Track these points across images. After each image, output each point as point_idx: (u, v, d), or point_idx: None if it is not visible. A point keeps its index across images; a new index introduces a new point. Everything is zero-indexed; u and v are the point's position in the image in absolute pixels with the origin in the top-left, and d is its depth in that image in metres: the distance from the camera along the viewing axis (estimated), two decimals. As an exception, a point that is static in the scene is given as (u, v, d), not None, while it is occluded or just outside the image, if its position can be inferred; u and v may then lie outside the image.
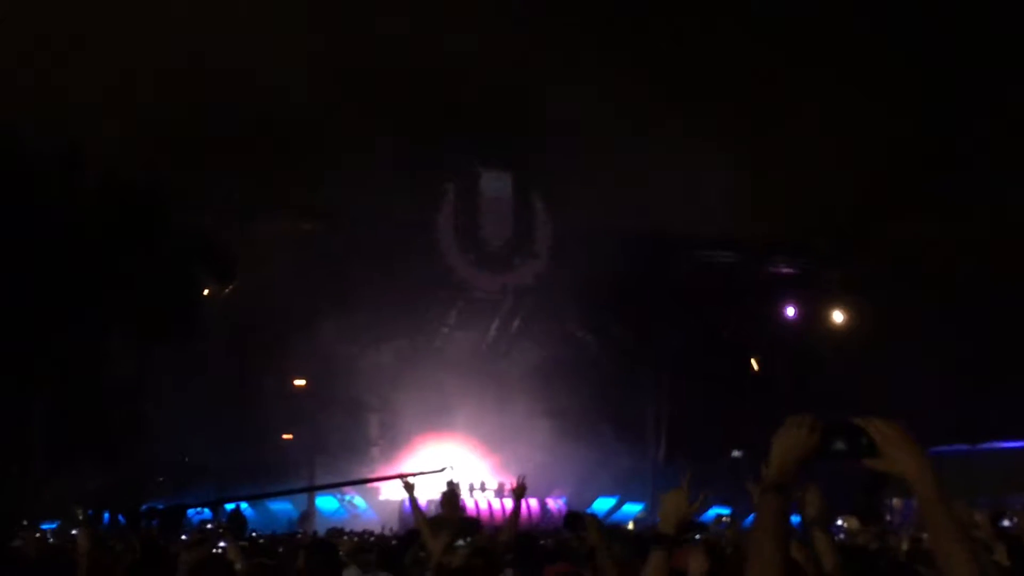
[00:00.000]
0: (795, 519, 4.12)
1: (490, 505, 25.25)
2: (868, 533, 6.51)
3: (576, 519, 6.11)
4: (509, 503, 26.07)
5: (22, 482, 19.60)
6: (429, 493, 15.79)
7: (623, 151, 25.74)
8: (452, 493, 9.07)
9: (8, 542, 10.89)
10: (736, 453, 23.96)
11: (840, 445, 2.34)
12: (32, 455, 20.49)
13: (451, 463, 14.11)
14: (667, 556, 3.01)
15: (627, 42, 24.77)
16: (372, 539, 15.24)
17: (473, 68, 24.50)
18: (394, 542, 12.16)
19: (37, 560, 8.37)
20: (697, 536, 5.53)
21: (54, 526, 15.35)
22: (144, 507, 17.29)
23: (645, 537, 3.18)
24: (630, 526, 19.37)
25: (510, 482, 28.52)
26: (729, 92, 24.57)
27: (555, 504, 29.01)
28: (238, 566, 5.77)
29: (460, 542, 6.68)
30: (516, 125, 26.84)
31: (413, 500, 8.64)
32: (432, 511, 10.85)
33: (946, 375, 24.25)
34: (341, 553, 6.08)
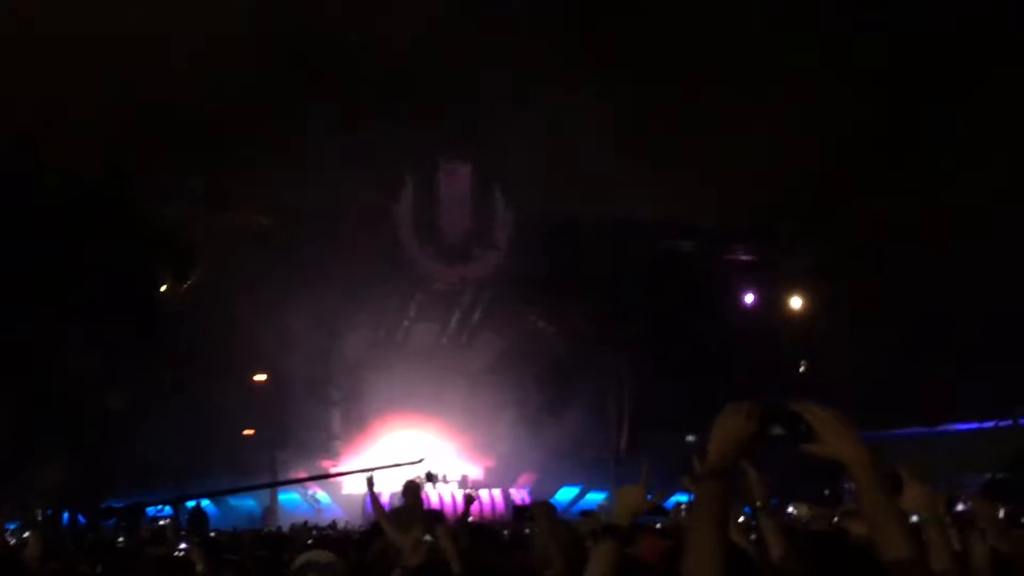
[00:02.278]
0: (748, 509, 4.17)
1: (453, 497, 25.24)
2: (821, 518, 6.59)
3: (523, 511, 6.14)
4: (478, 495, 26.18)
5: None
6: (394, 486, 15.80)
7: (583, 140, 25.73)
8: (414, 485, 9.12)
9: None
10: (690, 438, 24.07)
11: (778, 430, 2.38)
12: None
13: (425, 455, 14.07)
14: (617, 547, 3.03)
15: (590, 32, 24.77)
16: (333, 534, 15.22)
17: (431, 60, 24.44)
18: (356, 536, 12.15)
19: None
20: (657, 525, 5.56)
21: (14, 526, 15.19)
22: (103, 505, 17.15)
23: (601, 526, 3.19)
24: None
25: (474, 476, 28.65)
26: (691, 82, 24.63)
27: (518, 495, 29.09)
28: (199, 568, 5.75)
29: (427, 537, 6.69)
30: (475, 116, 26.81)
31: (373, 496, 8.67)
32: (395, 504, 10.88)
33: (903, 359, 24.52)
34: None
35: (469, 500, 8.75)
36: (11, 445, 20.63)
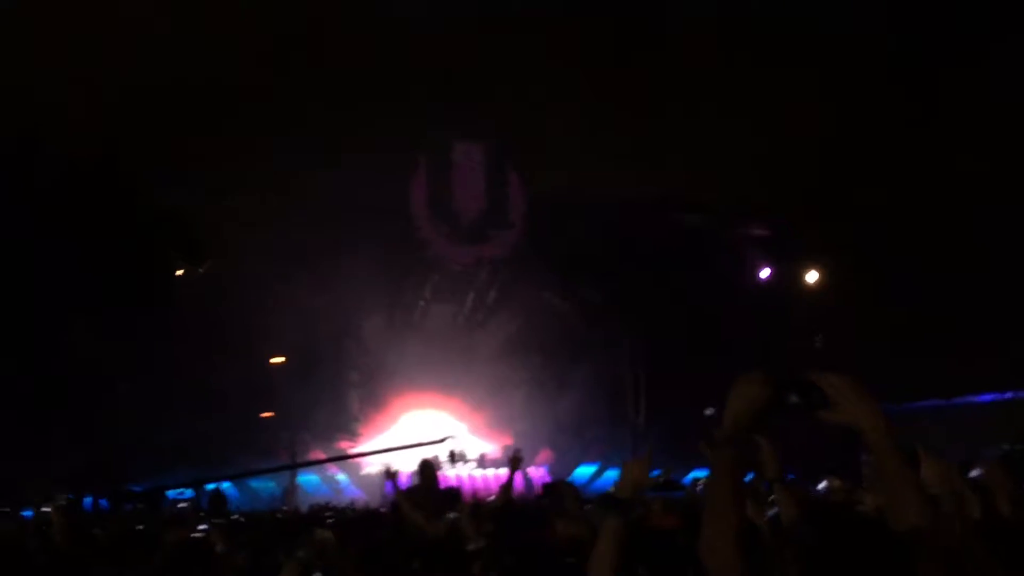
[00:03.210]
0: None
1: (471, 477, 25.35)
2: (840, 490, 6.58)
3: (553, 488, 6.17)
4: (491, 473, 26.26)
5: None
6: (414, 465, 15.85)
7: (593, 118, 25.63)
8: (429, 464, 9.18)
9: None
10: (709, 411, 24.07)
11: (794, 399, 2.39)
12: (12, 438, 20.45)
13: (451, 433, 14.12)
14: (621, 522, 3.03)
15: (593, 10, 24.59)
16: (351, 514, 15.28)
17: (442, 37, 24.31)
18: (375, 516, 12.21)
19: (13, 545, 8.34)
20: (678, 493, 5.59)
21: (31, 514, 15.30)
22: (124, 489, 17.25)
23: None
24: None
25: (492, 453, 28.75)
26: (697, 59, 24.45)
27: (537, 474, 29.17)
28: (219, 548, 5.79)
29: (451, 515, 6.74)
30: (487, 95, 26.68)
31: (393, 483, 8.73)
32: (412, 483, 10.92)
33: (920, 332, 24.42)
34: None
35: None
36: (29, 431, 20.81)
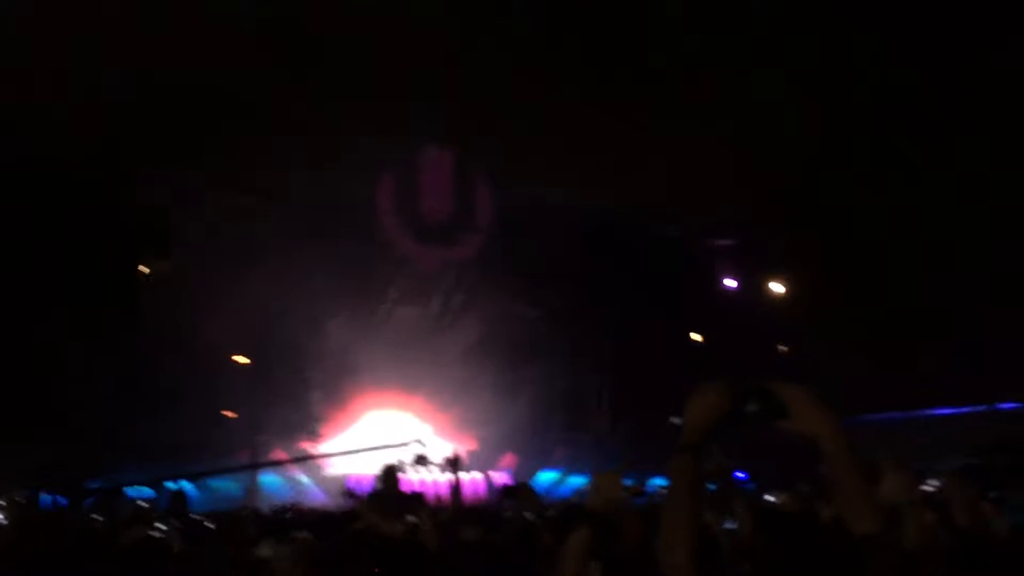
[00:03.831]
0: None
1: (435, 481, 25.27)
2: (795, 500, 6.66)
3: (513, 491, 6.19)
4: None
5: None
6: (375, 468, 15.76)
7: (565, 126, 25.68)
8: (390, 470, 9.15)
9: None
10: (675, 420, 24.18)
11: (753, 407, 2.41)
12: None
13: (418, 437, 14.06)
14: (591, 533, 3.06)
15: (568, 18, 24.65)
16: (311, 516, 15.20)
17: (410, 40, 24.28)
18: (336, 518, 12.16)
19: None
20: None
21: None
22: (83, 486, 17.12)
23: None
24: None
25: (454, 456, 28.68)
26: (667, 66, 24.54)
27: (499, 478, 29.15)
28: (175, 548, 5.76)
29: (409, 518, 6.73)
30: (457, 97, 26.67)
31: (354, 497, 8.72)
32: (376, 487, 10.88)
33: (881, 345, 24.65)
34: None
35: (456, 464, 8.54)
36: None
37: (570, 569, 3.03)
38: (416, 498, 7.40)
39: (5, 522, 7.13)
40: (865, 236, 25.33)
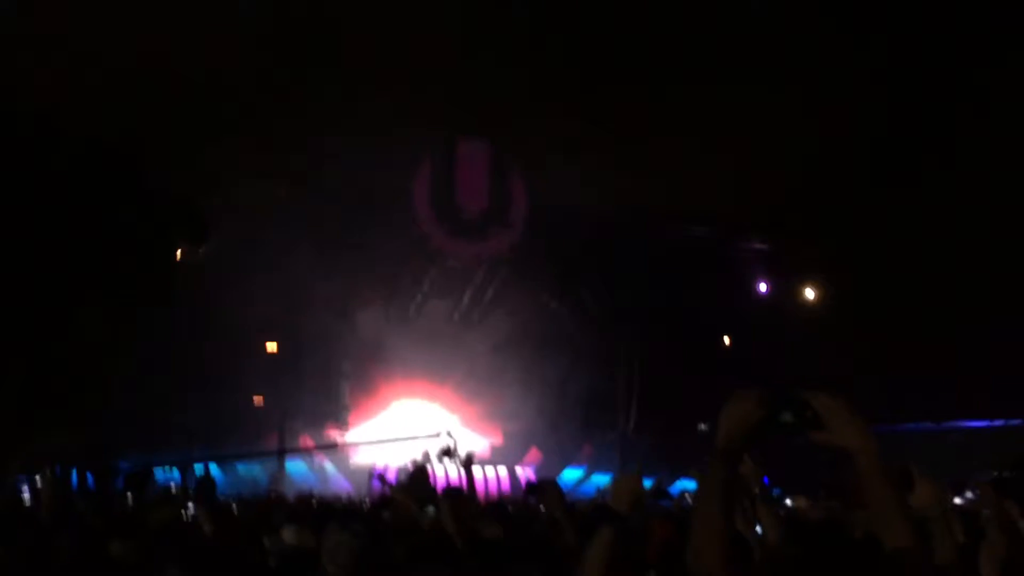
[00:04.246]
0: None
1: (459, 474, 25.34)
2: (821, 508, 6.62)
3: (537, 488, 6.20)
4: (479, 473, 26.28)
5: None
6: (401, 460, 15.89)
7: (597, 125, 25.65)
8: (421, 469, 9.22)
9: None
10: (702, 427, 24.14)
11: (787, 417, 2.41)
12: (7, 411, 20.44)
13: (446, 429, 14.08)
14: (616, 533, 3.07)
15: (597, 17, 24.61)
16: (337, 505, 15.30)
17: (449, 34, 24.32)
18: (364, 510, 12.24)
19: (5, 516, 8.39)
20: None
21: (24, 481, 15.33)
22: (112, 466, 17.27)
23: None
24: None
25: (481, 452, 28.77)
26: (697, 73, 24.46)
27: (523, 473, 29.21)
28: (207, 529, 5.81)
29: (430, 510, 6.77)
30: (494, 93, 26.68)
31: (385, 483, 8.77)
32: (402, 479, 10.95)
33: (913, 355, 24.48)
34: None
35: (468, 463, 8.59)
36: (19, 406, 20.83)
37: (594, 570, 3.04)
38: (455, 491, 7.38)
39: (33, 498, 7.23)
40: (899, 242, 25.15)
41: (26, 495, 9.25)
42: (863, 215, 25.90)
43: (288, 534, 6.32)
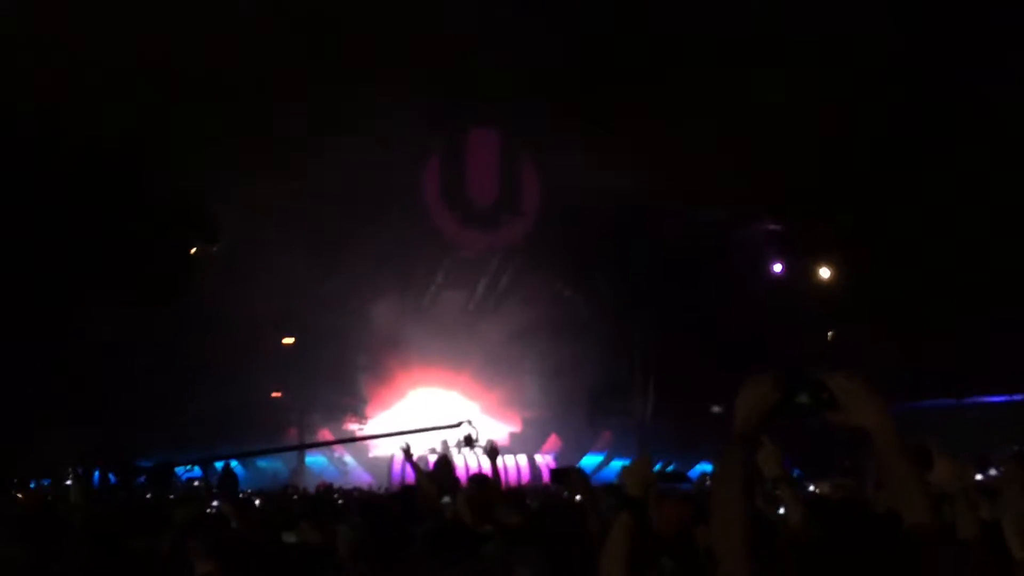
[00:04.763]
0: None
1: (479, 463, 25.38)
2: (842, 489, 6.62)
3: (562, 474, 6.21)
4: (500, 462, 26.35)
5: (16, 438, 19.72)
6: (420, 450, 15.90)
7: (607, 112, 25.61)
8: (445, 459, 9.24)
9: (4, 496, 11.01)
10: (716, 408, 24.13)
11: (803, 399, 2.43)
12: (25, 411, 20.65)
13: (467, 418, 14.06)
14: (634, 517, 3.10)
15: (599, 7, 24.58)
16: (358, 495, 15.38)
17: (452, 25, 24.30)
18: (385, 499, 12.28)
19: (32, 516, 8.48)
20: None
21: (46, 483, 15.45)
22: (133, 465, 17.38)
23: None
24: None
25: (500, 441, 28.81)
26: (707, 57, 24.38)
27: (543, 461, 29.27)
28: (234, 524, 5.86)
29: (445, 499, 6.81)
30: (503, 83, 26.65)
31: (413, 464, 8.80)
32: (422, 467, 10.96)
33: (932, 330, 24.38)
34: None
35: (493, 454, 8.65)
36: (41, 406, 20.99)
37: (616, 553, 3.07)
38: (480, 478, 7.41)
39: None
40: (913, 218, 25.01)
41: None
42: (878, 190, 25.77)
43: (300, 530, 6.38)
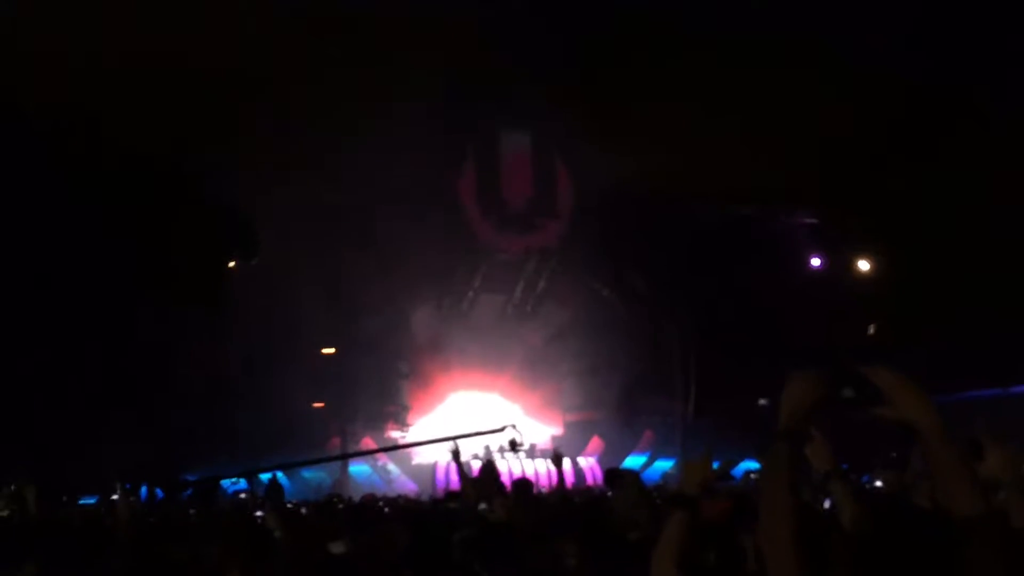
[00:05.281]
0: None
1: (523, 467, 25.39)
2: (890, 483, 6.56)
3: (616, 476, 6.21)
4: (541, 465, 26.32)
5: (65, 454, 19.97)
6: (464, 455, 15.92)
7: (639, 108, 25.56)
8: (491, 464, 9.28)
9: (53, 513, 11.12)
10: (762, 401, 23.95)
11: (849, 393, 2.41)
12: (73, 426, 20.92)
13: (511, 422, 14.09)
14: (689, 516, 3.09)
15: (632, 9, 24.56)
16: (402, 503, 15.44)
17: (487, 27, 24.33)
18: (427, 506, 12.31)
19: (81, 530, 8.57)
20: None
21: (93, 500, 15.60)
22: (179, 479, 17.54)
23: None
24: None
25: (541, 444, 28.81)
26: (742, 52, 24.27)
27: (587, 463, 29.21)
28: (278, 534, 5.89)
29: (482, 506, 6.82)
30: (534, 83, 26.65)
31: (460, 466, 8.84)
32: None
33: (975, 320, 24.10)
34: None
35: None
36: (87, 421, 21.24)
37: (668, 553, 3.06)
38: (525, 483, 7.45)
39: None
40: (953, 209, 24.75)
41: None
42: (915, 183, 25.54)
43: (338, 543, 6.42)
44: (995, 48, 23.14)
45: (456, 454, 9.12)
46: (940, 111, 24.33)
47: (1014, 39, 22.55)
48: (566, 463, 28.73)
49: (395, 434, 29.61)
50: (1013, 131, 22.83)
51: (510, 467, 24.06)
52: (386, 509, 11.95)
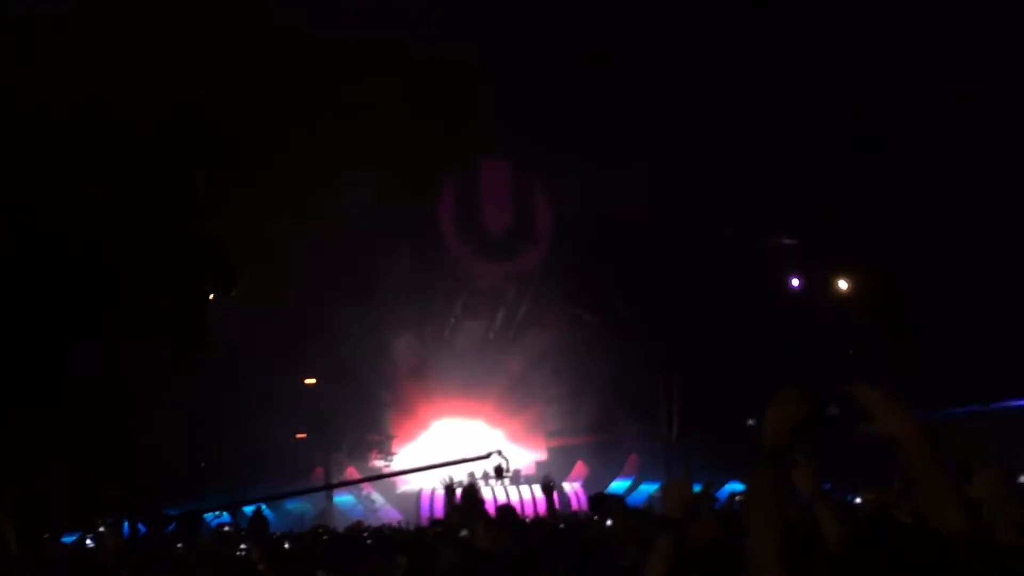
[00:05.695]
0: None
1: (507, 494, 25.30)
2: (872, 500, 6.57)
3: (600, 501, 6.20)
4: (526, 492, 26.24)
5: (49, 492, 19.77)
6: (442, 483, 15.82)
7: (618, 132, 25.67)
8: (472, 488, 9.21)
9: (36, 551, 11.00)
10: (751, 422, 23.98)
11: (834, 411, 2.41)
12: (57, 464, 20.73)
13: (497, 448, 14.03)
14: (674, 540, 3.08)
15: (620, 22, 24.66)
16: (387, 532, 15.34)
17: (466, 54, 24.40)
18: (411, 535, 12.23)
19: (70, 566, 8.50)
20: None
21: (73, 539, 15.44)
22: (162, 513, 17.42)
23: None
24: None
25: (525, 470, 28.70)
26: (715, 73, 24.42)
27: (571, 489, 29.12)
28: (261, 567, 5.85)
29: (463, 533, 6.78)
30: (511, 111, 26.73)
31: (451, 497, 8.77)
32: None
33: (956, 337, 24.21)
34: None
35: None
36: (67, 458, 21.06)
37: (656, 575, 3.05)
38: (507, 509, 7.42)
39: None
40: (934, 227, 24.91)
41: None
42: (893, 202, 25.71)
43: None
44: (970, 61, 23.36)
45: (450, 488, 9.05)
46: (921, 127, 24.53)
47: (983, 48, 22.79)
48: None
49: (379, 463, 29.47)
50: (987, 149, 23.06)
51: (495, 494, 23.96)
52: (369, 540, 11.86)
